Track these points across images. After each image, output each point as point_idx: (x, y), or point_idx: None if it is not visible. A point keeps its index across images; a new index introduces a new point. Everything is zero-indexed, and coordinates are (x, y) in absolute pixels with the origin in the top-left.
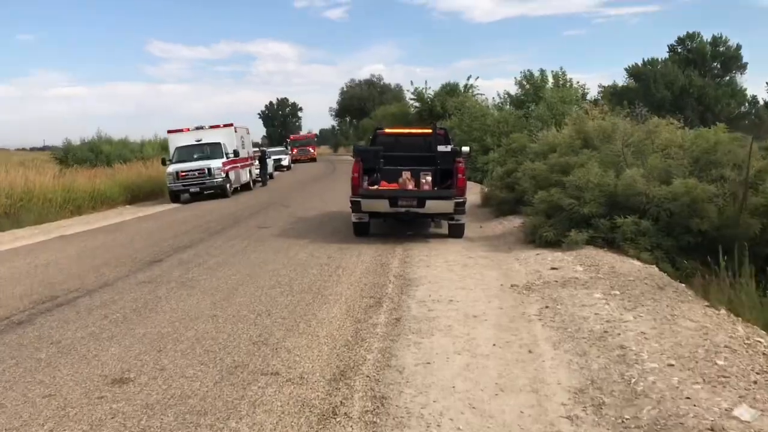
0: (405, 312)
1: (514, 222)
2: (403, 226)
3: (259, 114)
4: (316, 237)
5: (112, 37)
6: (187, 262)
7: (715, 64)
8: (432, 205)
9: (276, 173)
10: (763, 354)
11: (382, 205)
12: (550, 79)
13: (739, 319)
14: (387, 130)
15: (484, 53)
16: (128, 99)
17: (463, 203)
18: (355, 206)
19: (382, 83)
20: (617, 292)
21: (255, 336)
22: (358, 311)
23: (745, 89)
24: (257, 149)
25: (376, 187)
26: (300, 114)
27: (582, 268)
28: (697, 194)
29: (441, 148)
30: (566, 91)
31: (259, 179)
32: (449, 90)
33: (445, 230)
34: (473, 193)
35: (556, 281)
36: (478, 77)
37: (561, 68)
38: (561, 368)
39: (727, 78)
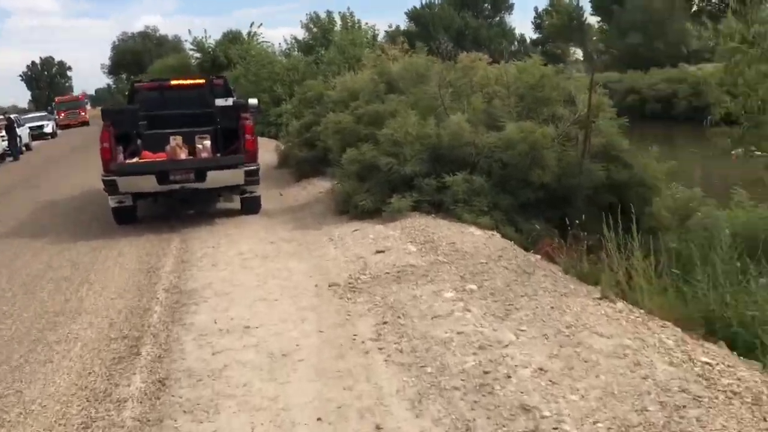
0: (175, 364)
1: (319, 186)
2: (183, 204)
3: (21, 76)
4: (63, 232)
5: None
6: None
7: (486, 5)
8: (215, 177)
9: (36, 143)
10: (736, 395)
11: (149, 183)
12: (339, 22)
13: (651, 317)
14: (146, 84)
15: (266, 1)
16: None
17: (256, 171)
18: (111, 187)
19: (158, 35)
20: (474, 287)
21: None
22: (98, 375)
23: (514, 29)
24: (2, 116)
25: (136, 159)
26: (69, 74)
27: (415, 247)
28: (536, 140)
29: (220, 102)
30: (356, 33)
31: (9, 152)
32: (232, 38)
33: (237, 205)
34: (268, 150)
35: (388, 273)
36: (261, 24)
37: (348, 8)
38: None
39: (497, 18)
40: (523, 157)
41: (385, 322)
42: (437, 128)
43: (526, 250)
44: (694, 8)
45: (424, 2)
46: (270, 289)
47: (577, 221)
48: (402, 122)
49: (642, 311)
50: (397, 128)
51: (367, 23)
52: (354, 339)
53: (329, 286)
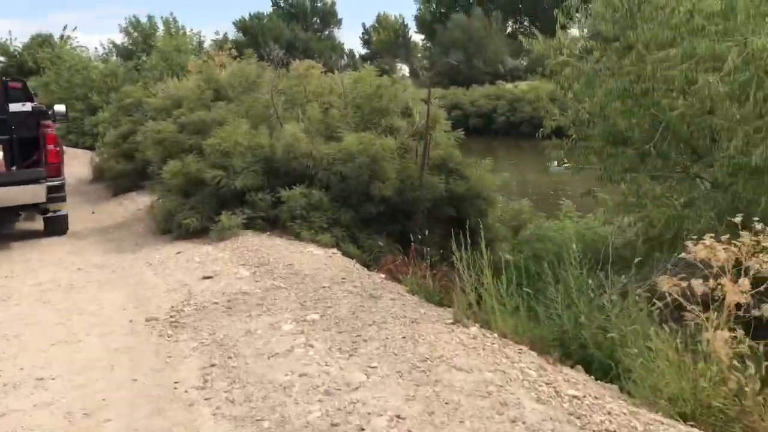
0: None
1: (139, 202)
2: None
3: None
4: None
5: None
6: None
7: (315, 19)
8: (10, 194)
9: None
10: None
11: None
12: (161, 27)
13: (506, 341)
14: None
15: (83, 6)
16: None
17: (61, 186)
18: None
19: None
20: (316, 316)
21: None
22: None
23: (343, 43)
24: None
25: None
26: None
27: (248, 271)
28: (376, 152)
29: (16, 107)
30: (181, 39)
31: None
32: (42, 41)
33: (40, 226)
34: (81, 162)
35: (217, 302)
36: (75, 27)
37: (171, 14)
38: None
39: (327, 32)
40: (363, 170)
41: (213, 365)
42: (271, 138)
43: (368, 267)
44: (509, 30)
45: (252, 13)
46: (74, 327)
47: (419, 236)
48: (231, 131)
49: (496, 335)
50: (226, 138)
51: (192, 30)
52: (175, 388)
53: (147, 321)
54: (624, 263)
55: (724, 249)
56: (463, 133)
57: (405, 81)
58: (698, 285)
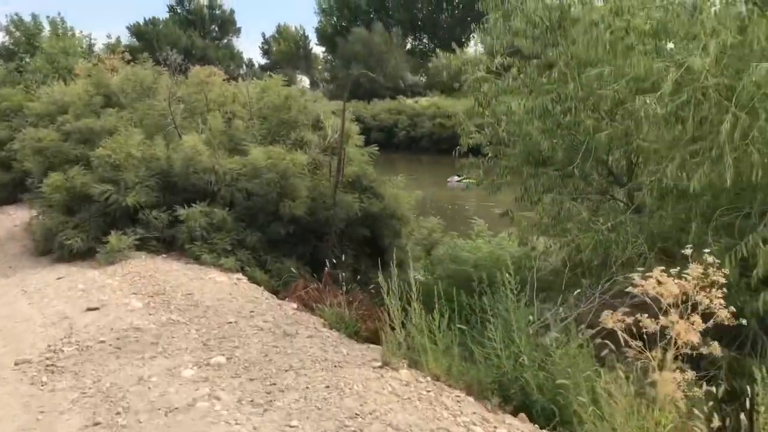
0: None
1: (15, 217)
2: None
3: None
4: None
5: None
6: None
7: (213, 26)
8: None
9: None
10: None
11: None
12: (47, 27)
13: (441, 386)
14: None
15: None
16: None
17: None
18: None
19: None
20: (222, 359)
21: None
22: None
23: (242, 52)
24: None
25: None
26: None
27: (141, 302)
28: (286, 167)
29: None
30: (69, 41)
31: None
32: None
33: None
34: None
35: (103, 341)
36: None
37: (59, 14)
38: None
39: (225, 41)
40: (271, 187)
41: (97, 423)
42: (168, 150)
43: (277, 293)
44: (408, 46)
45: (147, 18)
46: None
47: (333, 260)
48: (123, 141)
49: (429, 379)
50: (117, 148)
51: (81, 32)
52: None
53: (16, 364)
54: (549, 288)
55: (676, 284)
56: (377, 149)
57: (316, 93)
58: (649, 323)
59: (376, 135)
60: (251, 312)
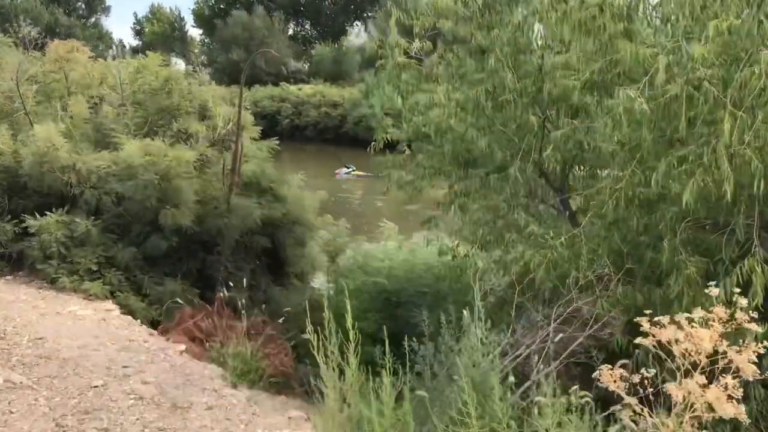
0: None
1: None
2: None
3: None
4: None
5: None
6: None
7: (80, 4)
8: None
9: None
10: None
11: None
12: None
13: None
14: None
15: None
16: None
17: None
18: None
19: None
20: None
21: None
22: None
23: (111, 32)
24: None
25: None
26: None
27: None
28: (168, 166)
29: None
30: None
31: None
32: None
33: None
34: None
35: None
36: None
37: None
38: None
39: (93, 20)
40: (149, 190)
41: None
42: (15, 143)
43: (157, 325)
44: (291, 32)
45: None
46: None
47: (228, 280)
48: None
49: None
50: None
51: None
52: None
53: None
54: (491, 314)
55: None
56: (277, 142)
57: (201, 75)
58: (674, 389)
59: (259, 123)
60: (125, 367)
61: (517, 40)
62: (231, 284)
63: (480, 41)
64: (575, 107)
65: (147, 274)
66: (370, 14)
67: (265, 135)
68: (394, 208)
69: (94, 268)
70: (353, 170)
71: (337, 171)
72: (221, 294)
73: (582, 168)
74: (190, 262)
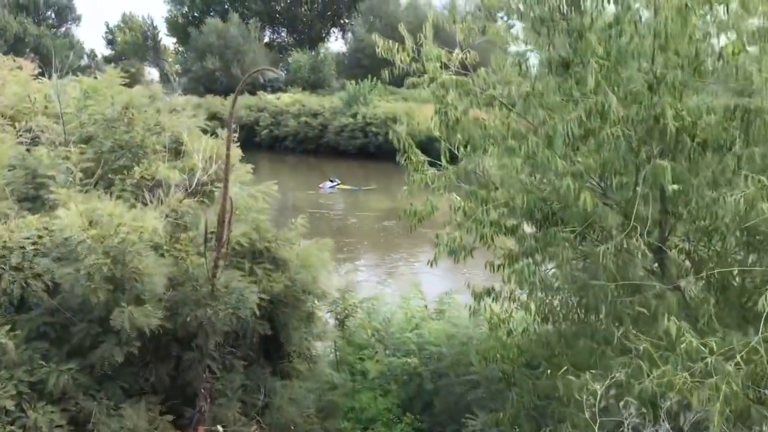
0: None
1: None
2: None
3: None
4: None
5: None
6: None
7: (50, 13)
8: None
9: None
10: None
11: None
12: None
13: None
14: None
15: None
16: None
17: None
18: None
19: None
20: None
21: None
22: None
23: (83, 42)
24: None
25: None
26: None
27: None
28: (126, 241)
29: None
30: None
31: None
32: None
33: None
34: None
35: None
36: None
37: None
38: None
39: (63, 29)
40: (96, 280)
41: None
42: None
43: None
44: (266, 39)
45: None
46: None
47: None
48: None
49: None
50: None
51: None
52: None
53: None
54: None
55: None
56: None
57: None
58: None
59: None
60: None
61: (618, 45)
62: (216, 393)
63: (562, 51)
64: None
65: (95, 398)
66: (347, 20)
67: (242, 145)
68: (369, 225)
69: (11, 405)
70: (338, 184)
71: (321, 184)
72: (202, 410)
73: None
74: (159, 368)
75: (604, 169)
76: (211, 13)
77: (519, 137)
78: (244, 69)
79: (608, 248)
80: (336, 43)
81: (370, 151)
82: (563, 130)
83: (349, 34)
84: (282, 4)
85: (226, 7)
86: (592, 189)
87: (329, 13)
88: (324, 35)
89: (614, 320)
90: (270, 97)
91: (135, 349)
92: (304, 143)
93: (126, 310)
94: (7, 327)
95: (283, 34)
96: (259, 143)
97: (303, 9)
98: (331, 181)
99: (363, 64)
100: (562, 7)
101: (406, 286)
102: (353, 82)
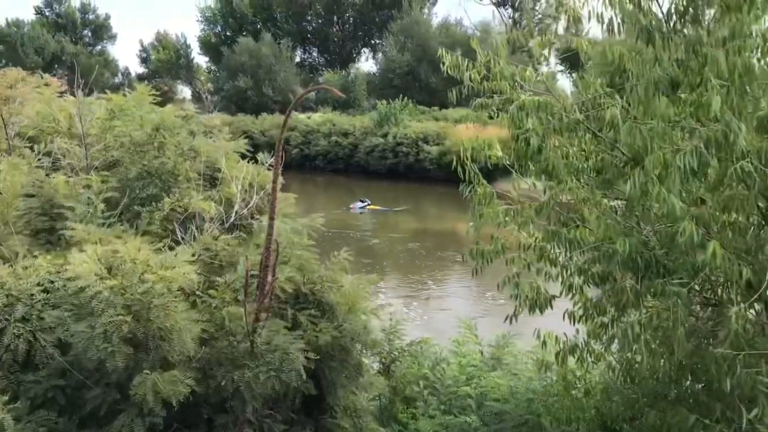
0: None
1: None
2: None
3: None
4: None
5: None
6: None
7: (86, 32)
8: None
9: None
10: None
11: None
12: None
13: None
14: None
15: None
16: None
17: None
18: None
19: None
20: None
21: None
22: None
23: (117, 60)
24: None
25: None
26: None
27: None
28: (152, 292)
29: None
30: None
31: None
32: None
33: None
34: None
35: None
36: None
37: None
38: None
39: (99, 47)
40: (114, 342)
41: None
42: None
43: None
44: (297, 59)
45: (10, 20)
46: None
47: None
48: None
49: None
50: None
51: None
52: None
53: None
54: None
55: None
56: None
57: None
58: None
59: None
60: None
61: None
62: None
63: (670, 69)
64: None
65: None
66: (378, 41)
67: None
68: (390, 246)
69: None
70: (368, 204)
71: (351, 205)
72: None
73: None
74: None
75: (725, 211)
76: (244, 33)
77: (614, 170)
78: (276, 88)
79: (741, 310)
80: (366, 63)
81: (400, 171)
82: (680, 162)
83: (380, 55)
84: (314, 25)
85: (259, 27)
86: (719, 237)
87: (360, 33)
88: (355, 55)
89: (739, 397)
90: (301, 116)
91: (159, 419)
92: (334, 163)
93: (150, 378)
94: (6, 397)
95: (314, 53)
96: (289, 163)
97: (334, 29)
98: (362, 201)
99: (394, 84)
100: (672, 17)
101: (434, 311)
102: (384, 102)
